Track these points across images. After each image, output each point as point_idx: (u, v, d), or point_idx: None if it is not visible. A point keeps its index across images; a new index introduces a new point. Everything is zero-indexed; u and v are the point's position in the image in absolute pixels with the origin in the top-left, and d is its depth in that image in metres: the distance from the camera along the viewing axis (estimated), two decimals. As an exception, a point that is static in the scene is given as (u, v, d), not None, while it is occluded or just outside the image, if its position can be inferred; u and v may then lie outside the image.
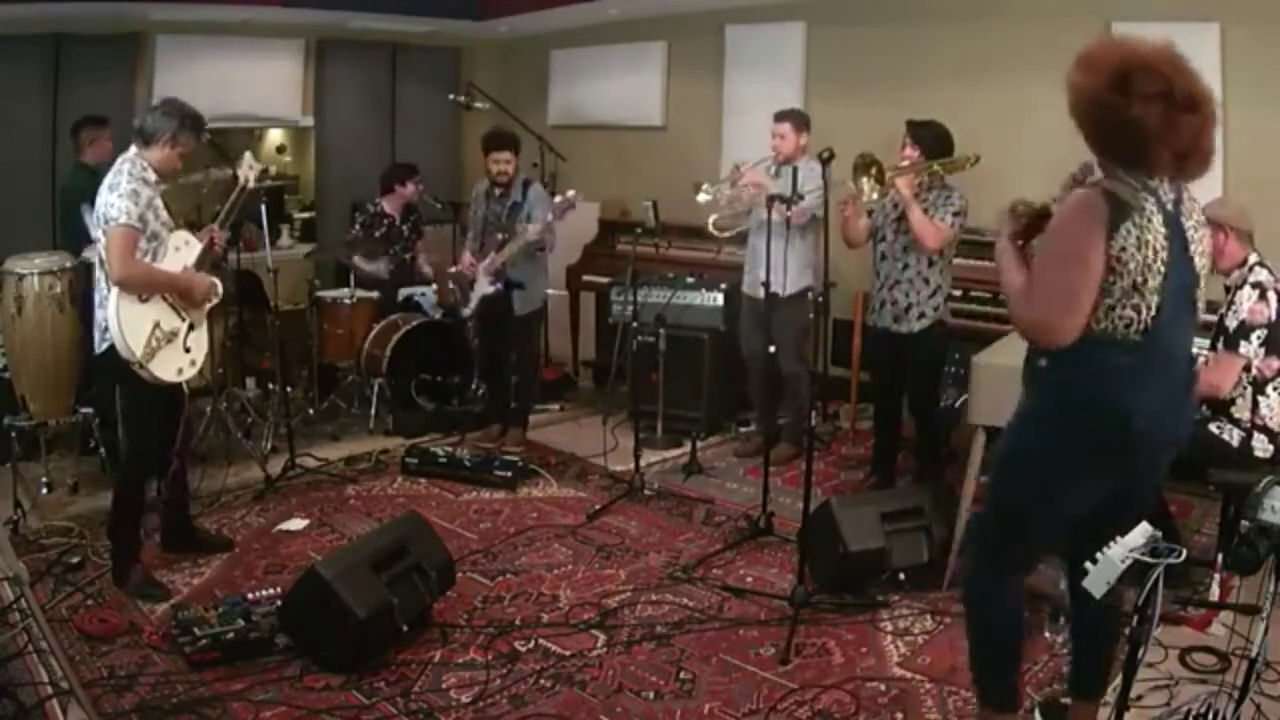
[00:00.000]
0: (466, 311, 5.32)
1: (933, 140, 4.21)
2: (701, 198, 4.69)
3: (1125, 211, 2.07)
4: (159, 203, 3.37)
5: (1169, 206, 2.14)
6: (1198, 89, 2.07)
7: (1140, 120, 2.03)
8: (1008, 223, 2.40)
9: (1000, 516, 2.41)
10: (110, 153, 4.65)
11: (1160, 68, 2.05)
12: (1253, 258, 3.34)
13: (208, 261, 3.55)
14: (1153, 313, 2.12)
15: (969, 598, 2.51)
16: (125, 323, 3.23)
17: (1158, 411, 2.18)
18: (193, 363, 3.48)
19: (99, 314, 3.34)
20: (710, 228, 4.87)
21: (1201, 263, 2.22)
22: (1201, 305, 2.30)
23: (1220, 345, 3.38)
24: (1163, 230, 2.10)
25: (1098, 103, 2.08)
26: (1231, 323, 3.32)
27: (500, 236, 5.07)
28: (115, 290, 3.23)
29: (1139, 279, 2.09)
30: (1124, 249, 2.07)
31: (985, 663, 2.50)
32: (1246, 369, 3.28)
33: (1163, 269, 2.10)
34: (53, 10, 5.55)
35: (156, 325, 3.32)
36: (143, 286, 3.30)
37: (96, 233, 3.28)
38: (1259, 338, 3.25)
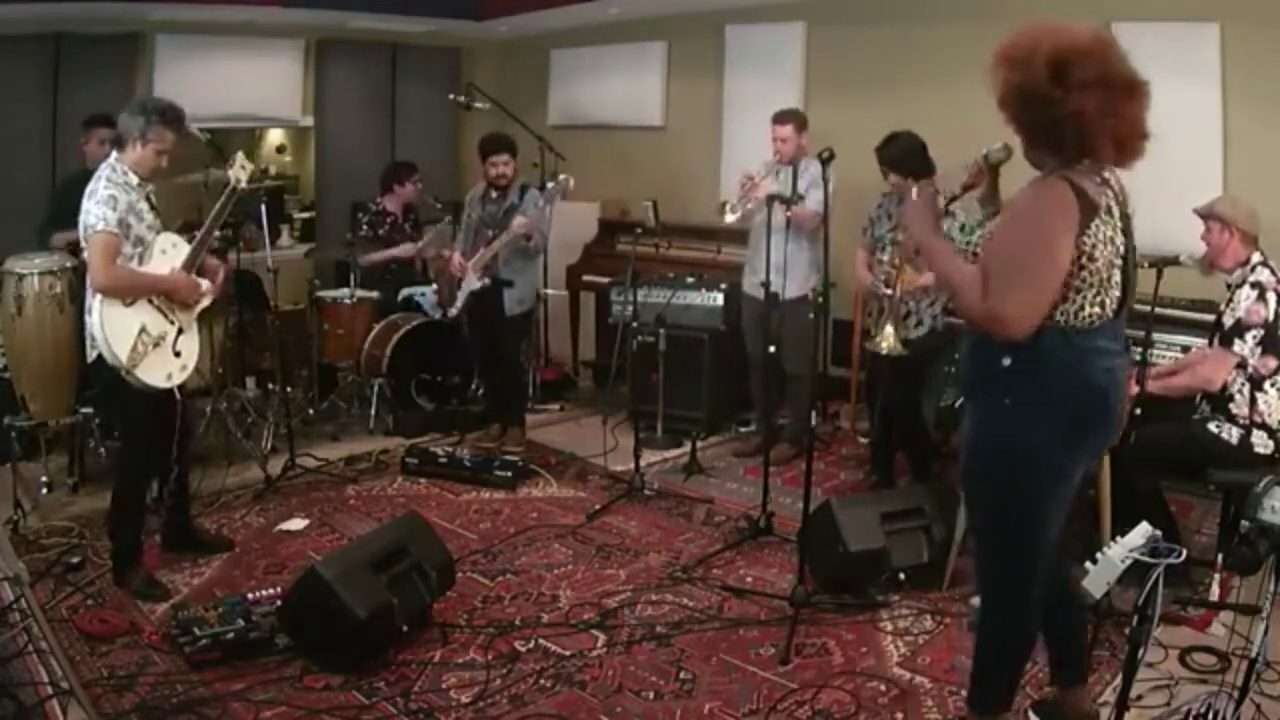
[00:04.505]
0: (453, 310, 5.30)
1: (902, 156, 4.18)
2: (729, 218, 4.67)
3: (1093, 210, 2.07)
4: (143, 206, 3.34)
5: (1120, 196, 2.15)
6: (1132, 71, 2.04)
7: (1081, 112, 1.99)
8: (925, 214, 2.36)
9: (1003, 522, 2.30)
10: (95, 156, 4.66)
11: (1094, 53, 2.00)
12: (1256, 257, 3.35)
13: (197, 263, 3.49)
14: (1115, 304, 2.15)
15: (990, 612, 2.42)
16: (109, 328, 3.20)
17: (1119, 388, 2.22)
18: (183, 367, 3.44)
19: (88, 321, 3.30)
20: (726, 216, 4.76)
21: (1133, 244, 2.23)
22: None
23: (1215, 341, 3.41)
24: (1120, 224, 2.13)
25: (1034, 97, 2.03)
26: (1228, 320, 3.35)
27: (491, 234, 5.07)
28: (99, 297, 3.21)
29: (1105, 275, 2.10)
30: (1094, 246, 2.07)
31: (991, 669, 2.46)
32: (1242, 366, 3.30)
33: (1120, 261, 2.14)
34: (53, 10, 5.55)
35: (143, 329, 3.29)
36: (126, 291, 3.26)
37: (83, 241, 3.26)
38: (1254, 337, 3.27)
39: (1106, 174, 2.13)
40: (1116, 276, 2.14)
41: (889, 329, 4.00)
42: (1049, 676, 2.68)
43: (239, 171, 3.76)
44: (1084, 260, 2.07)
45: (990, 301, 2.09)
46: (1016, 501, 2.25)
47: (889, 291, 4.09)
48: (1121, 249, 2.14)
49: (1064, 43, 2.01)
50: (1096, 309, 2.12)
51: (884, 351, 4.03)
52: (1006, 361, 2.17)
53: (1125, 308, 2.20)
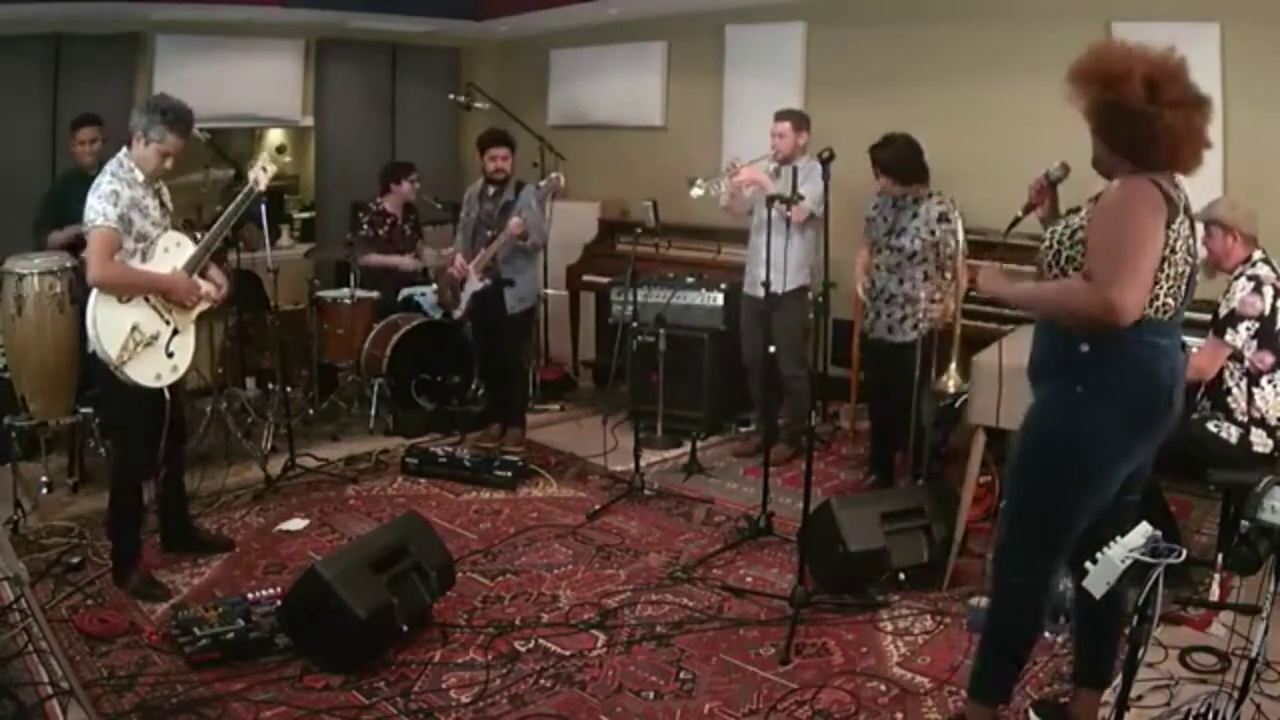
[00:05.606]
0: (458, 313, 5.32)
1: (896, 161, 4.19)
2: (695, 192, 4.67)
3: (1175, 207, 2.19)
4: (149, 202, 3.34)
5: (1187, 201, 2.26)
6: (1199, 89, 2.18)
7: (1173, 127, 2.13)
8: (1000, 278, 2.51)
9: (1039, 508, 2.35)
10: (86, 153, 4.72)
11: (1179, 73, 2.15)
12: (1257, 254, 3.38)
13: (199, 266, 3.49)
14: (1181, 299, 2.26)
15: (1002, 595, 2.47)
16: (101, 324, 3.21)
17: (1179, 388, 2.31)
18: (174, 369, 3.41)
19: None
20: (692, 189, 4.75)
21: (1196, 245, 2.33)
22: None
23: (1210, 332, 3.43)
24: (1189, 223, 2.25)
25: (1131, 114, 2.14)
26: (1223, 310, 3.38)
27: (490, 234, 5.07)
28: (94, 291, 3.22)
29: (1180, 269, 2.22)
30: (1176, 239, 2.18)
31: (993, 656, 2.49)
32: (1240, 360, 3.31)
33: (1190, 259, 2.25)
34: (53, 10, 5.54)
35: (135, 328, 3.27)
36: (120, 287, 3.26)
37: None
38: (1248, 329, 3.29)
39: (1177, 179, 2.24)
40: (1187, 272, 2.25)
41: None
42: (1071, 669, 2.68)
43: (259, 173, 3.71)
44: (1166, 252, 2.18)
45: (1100, 291, 2.15)
46: (1060, 487, 2.30)
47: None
48: (1191, 247, 2.25)
49: (1155, 62, 2.16)
50: (1170, 300, 2.23)
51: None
52: (1085, 348, 2.24)
53: (1187, 302, 2.31)
